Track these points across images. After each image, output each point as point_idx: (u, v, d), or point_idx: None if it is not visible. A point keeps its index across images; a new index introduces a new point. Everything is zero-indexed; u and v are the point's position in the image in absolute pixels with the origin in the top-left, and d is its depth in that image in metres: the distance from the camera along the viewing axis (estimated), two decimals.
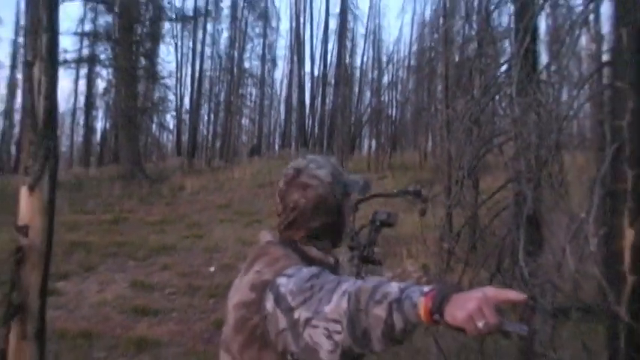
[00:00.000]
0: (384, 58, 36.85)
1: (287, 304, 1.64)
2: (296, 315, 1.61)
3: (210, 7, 38.86)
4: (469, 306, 1.35)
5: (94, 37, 32.75)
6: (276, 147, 42.32)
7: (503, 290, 1.42)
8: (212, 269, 14.29)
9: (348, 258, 2.09)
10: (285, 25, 49.69)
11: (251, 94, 42.21)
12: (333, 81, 39.56)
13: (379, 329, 1.45)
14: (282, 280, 1.72)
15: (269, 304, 1.70)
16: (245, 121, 41.96)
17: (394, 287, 1.48)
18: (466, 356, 5.39)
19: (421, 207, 3.10)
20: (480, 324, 1.34)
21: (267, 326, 1.71)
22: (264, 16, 40.54)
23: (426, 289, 1.46)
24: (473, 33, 6.83)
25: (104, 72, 35.36)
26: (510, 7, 6.46)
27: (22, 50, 31.95)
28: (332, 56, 41.03)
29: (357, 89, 37.58)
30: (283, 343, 1.67)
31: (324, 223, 1.99)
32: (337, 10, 41.14)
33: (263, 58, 40.68)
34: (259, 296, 1.75)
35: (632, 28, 4.02)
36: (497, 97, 5.90)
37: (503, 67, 5.93)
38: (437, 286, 1.47)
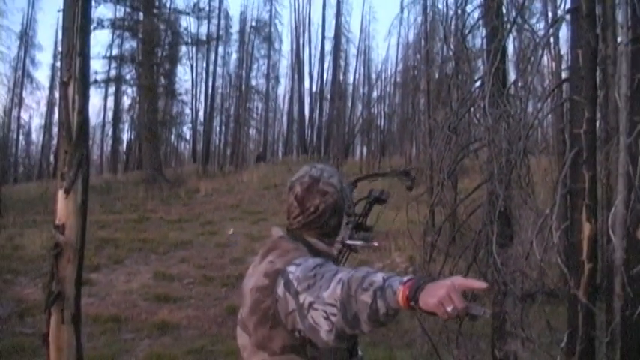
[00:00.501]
0: (374, 75, 36.87)
1: (294, 288, 1.68)
2: (301, 299, 1.65)
3: (221, 32, 38.91)
4: (439, 293, 1.39)
5: (120, 60, 32.71)
6: (280, 154, 42.20)
7: (468, 279, 1.45)
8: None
9: (344, 222, 2.14)
10: (286, 47, 49.71)
11: (257, 108, 42.08)
12: (329, 96, 39.54)
13: (365, 313, 1.48)
14: (291, 268, 1.76)
15: (280, 288, 1.74)
16: (252, 132, 41.81)
17: (379, 277, 1.52)
18: (447, 335, 5.39)
19: (408, 184, 3.24)
20: (449, 308, 1.37)
21: (278, 308, 1.75)
22: (268, 40, 40.45)
23: (405, 278, 1.49)
24: (450, 53, 6.84)
25: (129, 90, 35.20)
26: (482, 31, 6.47)
27: (59, 72, 31.86)
28: (328, 74, 41.09)
29: (350, 103, 37.54)
30: (292, 322, 1.71)
31: (338, 223, 2.08)
32: (332, 33, 41.27)
33: (267, 76, 40.59)
34: (272, 282, 1.79)
35: (586, 50, 4.05)
36: (472, 109, 5.91)
37: (477, 83, 5.94)
38: (415, 276, 1.51)
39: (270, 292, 1.79)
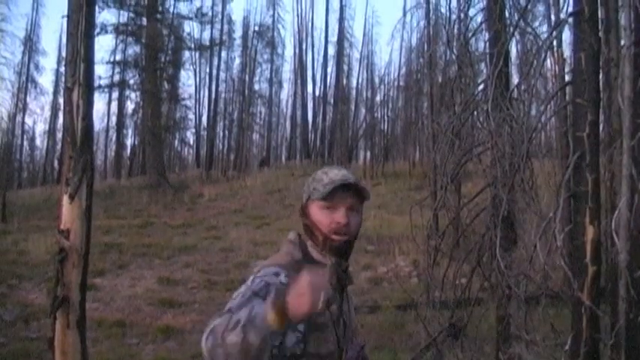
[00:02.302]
0: (377, 80, 36.76)
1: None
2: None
3: (224, 37, 39.01)
4: (306, 299, 1.38)
5: (124, 65, 32.90)
6: (283, 159, 42.22)
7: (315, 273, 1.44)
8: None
9: None
10: (289, 52, 49.74)
11: (260, 113, 42.14)
12: (332, 100, 39.53)
13: (236, 351, 1.38)
14: (249, 282, 1.75)
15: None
16: (255, 136, 41.87)
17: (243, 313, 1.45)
18: (452, 339, 5.40)
19: None
20: (320, 304, 1.38)
21: None
22: (271, 44, 40.55)
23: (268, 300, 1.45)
24: (453, 57, 6.84)
25: (133, 95, 35.39)
26: (485, 35, 6.49)
27: (63, 78, 31.97)
28: (331, 78, 41.05)
29: (353, 107, 37.48)
30: None
31: (303, 224, 1.96)
32: (335, 38, 41.30)
33: (271, 81, 40.66)
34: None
35: (589, 53, 4.05)
36: (475, 113, 5.92)
37: (480, 87, 5.95)
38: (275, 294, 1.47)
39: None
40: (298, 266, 1.70)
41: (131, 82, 33.24)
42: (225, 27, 39.03)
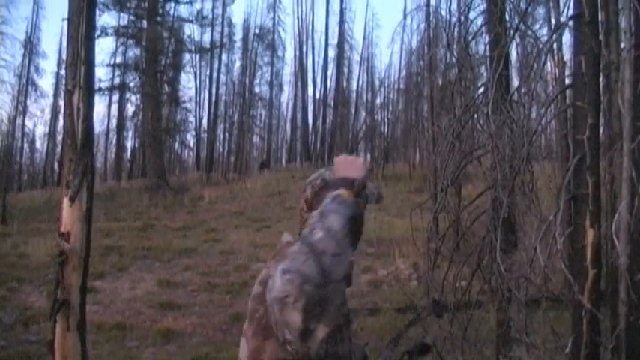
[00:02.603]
0: (377, 82, 36.84)
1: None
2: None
3: (225, 40, 39.04)
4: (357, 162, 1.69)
5: (124, 67, 32.92)
6: (283, 161, 42.23)
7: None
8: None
9: None
10: (289, 54, 49.76)
11: (261, 115, 42.17)
12: (332, 103, 39.58)
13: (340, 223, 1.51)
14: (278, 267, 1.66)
15: (268, 295, 1.57)
16: (256, 139, 41.89)
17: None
18: (452, 342, 5.39)
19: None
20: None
21: (269, 316, 1.55)
22: (272, 47, 40.57)
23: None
24: (453, 60, 6.85)
25: (133, 98, 35.47)
26: (486, 38, 6.49)
27: (63, 80, 32.01)
28: (331, 81, 41.10)
29: (353, 109, 37.56)
30: (281, 333, 1.49)
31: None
32: (335, 40, 41.35)
33: (271, 84, 40.67)
34: (264, 289, 1.63)
35: (589, 56, 4.05)
36: (475, 116, 5.91)
37: (481, 89, 5.95)
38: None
39: (263, 299, 1.62)
40: None
41: (131, 84, 33.34)
42: (226, 30, 39.10)
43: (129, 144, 41.03)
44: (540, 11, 22.61)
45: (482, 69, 8.16)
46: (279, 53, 42.41)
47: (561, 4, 5.75)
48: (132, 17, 30.40)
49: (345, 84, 39.25)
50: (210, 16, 36.42)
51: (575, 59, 4.24)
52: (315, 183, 1.95)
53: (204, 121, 39.37)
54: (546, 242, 4.30)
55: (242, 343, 1.79)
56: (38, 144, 44.12)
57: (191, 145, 41.93)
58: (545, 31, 19.18)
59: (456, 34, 6.64)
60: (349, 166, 1.77)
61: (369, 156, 32.06)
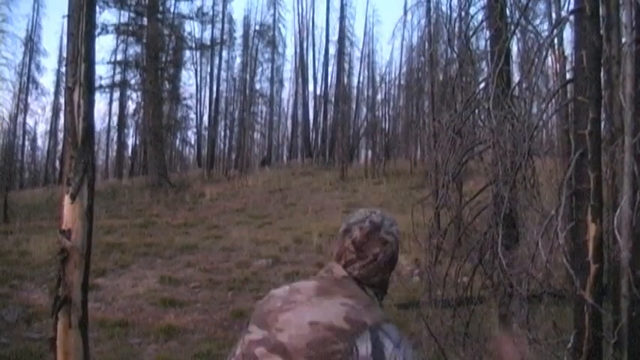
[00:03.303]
0: (378, 78, 36.77)
1: None
2: None
3: (225, 36, 39.05)
4: None
5: (125, 65, 32.95)
6: (284, 158, 42.23)
7: None
8: None
9: None
10: (290, 51, 49.65)
11: (262, 112, 42.15)
12: (333, 99, 39.47)
13: None
14: (387, 343, 1.70)
15: (364, 349, 1.67)
16: (257, 136, 41.88)
17: None
18: (454, 338, 5.39)
19: None
20: None
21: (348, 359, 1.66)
22: (272, 44, 40.55)
23: None
24: (454, 56, 6.84)
25: (134, 95, 35.48)
26: (486, 33, 6.48)
27: (64, 78, 32.01)
28: (332, 77, 41.02)
29: (354, 106, 37.47)
30: None
31: (390, 275, 1.98)
32: (336, 37, 41.24)
33: (272, 80, 40.68)
34: (354, 331, 1.69)
35: (590, 51, 4.05)
36: (476, 111, 5.91)
37: (482, 85, 5.95)
38: None
39: (346, 339, 1.67)
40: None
41: (132, 82, 33.35)
42: (226, 26, 39.14)
43: (130, 141, 41.13)
44: (541, 6, 22.52)
45: (483, 64, 8.17)
46: (280, 50, 42.48)
47: None
48: (132, 14, 30.30)
49: (345, 80, 39.12)
50: (211, 12, 36.47)
51: (577, 54, 4.24)
52: (364, 225, 1.93)
53: (205, 118, 39.48)
54: (548, 237, 4.30)
55: (269, 354, 1.75)
56: (39, 142, 44.27)
57: (192, 142, 41.98)
58: (545, 26, 19.13)
59: (456, 29, 6.63)
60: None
61: (370, 152, 32.06)
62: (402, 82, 33.96)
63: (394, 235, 1.95)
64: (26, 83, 38.78)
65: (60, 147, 37.11)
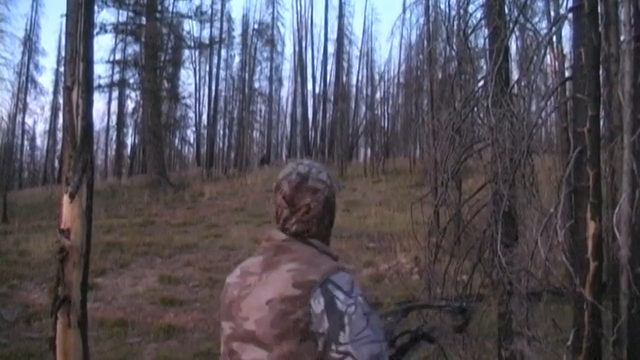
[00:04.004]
0: (377, 77, 36.75)
1: (339, 325, 1.66)
2: (341, 347, 1.64)
3: (224, 35, 39.03)
4: None
5: (123, 64, 32.92)
6: (284, 156, 42.20)
7: None
8: None
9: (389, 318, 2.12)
10: (289, 50, 49.52)
11: (260, 111, 42.15)
12: (332, 97, 39.44)
13: None
14: (338, 294, 1.69)
15: (318, 306, 1.67)
16: (256, 134, 41.90)
17: None
18: (453, 336, 5.39)
19: (458, 323, 2.60)
20: None
21: (311, 322, 1.67)
22: (271, 42, 40.51)
23: None
24: (453, 54, 6.84)
25: (133, 94, 35.39)
26: (485, 31, 6.47)
27: (62, 77, 32.03)
28: (331, 76, 40.96)
29: (353, 104, 37.43)
30: (323, 344, 1.66)
31: (331, 221, 1.97)
32: (334, 35, 41.20)
33: (270, 79, 40.63)
34: (305, 293, 1.69)
35: (589, 48, 4.05)
36: (475, 109, 5.90)
37: (480, 83, 5.94)
38: None
39: (302, 303, 1.68)
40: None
41: (131, 81, 33.31)
42: (225, 25, 39.14)
43: (129, 140, 41.07)
44: (540, 4, 22.49)
45: (482, 62, 8.13)
46: (279, 48, 42.45)
47: None
48: (131, 13, 30.29)
49: (344, 79, 39.12)
50: (210, 11, 36.51)
51: (575, 51, 4.24)
52: (291, 179, 1.94)
53: (204, 117, 39.47)
54: (547, 235, 4.30)
55: (248, 347, 1.78)
56: (38, 141, 44.28)
57: (191, 141, 41.99)
58: (544, 24, 19.10)
59: (455, 27, 6.62)
60: None
61: (369, 151, 32.06)
62: (401, 80, 34.02)
63: (323, 182, 1.94)
64: (25, 83, 38.78)
65: (59, 146, 37.10)
